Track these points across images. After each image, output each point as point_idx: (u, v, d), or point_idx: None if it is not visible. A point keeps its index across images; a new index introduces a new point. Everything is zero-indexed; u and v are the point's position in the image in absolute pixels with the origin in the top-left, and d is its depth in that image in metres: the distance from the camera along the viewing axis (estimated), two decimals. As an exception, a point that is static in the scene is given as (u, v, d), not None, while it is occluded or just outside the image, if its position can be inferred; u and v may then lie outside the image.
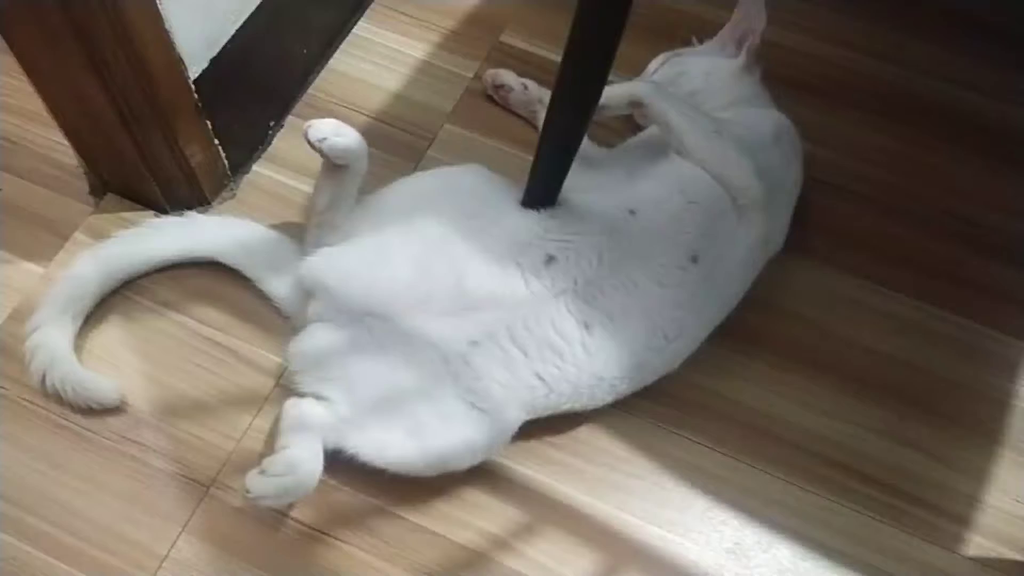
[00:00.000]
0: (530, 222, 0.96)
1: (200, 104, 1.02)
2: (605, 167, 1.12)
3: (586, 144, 1.18)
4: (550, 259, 0.94)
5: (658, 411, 1.05)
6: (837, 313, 1.15)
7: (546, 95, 1.23)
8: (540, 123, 1.24)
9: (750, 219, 1.01)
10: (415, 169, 1.21)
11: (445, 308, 0.93)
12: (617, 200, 1.01)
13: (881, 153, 1.31)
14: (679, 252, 0.97)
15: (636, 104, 1.07)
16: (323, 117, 0.96)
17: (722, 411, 1.06)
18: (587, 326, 0.93)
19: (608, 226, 0.97)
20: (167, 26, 0.92)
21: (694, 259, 0.97)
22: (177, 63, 0.96)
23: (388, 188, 1.03)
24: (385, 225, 0.97)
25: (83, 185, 1.16)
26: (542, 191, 0.97)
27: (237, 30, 1.05)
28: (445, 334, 0.92)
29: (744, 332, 1.07)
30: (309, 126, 0.94)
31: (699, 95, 1.15)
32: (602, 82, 0.82)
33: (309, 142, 0.94)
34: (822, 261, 1.19)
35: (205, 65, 1.01)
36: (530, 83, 1.25)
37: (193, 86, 1.00)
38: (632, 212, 0.99)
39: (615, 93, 1.07)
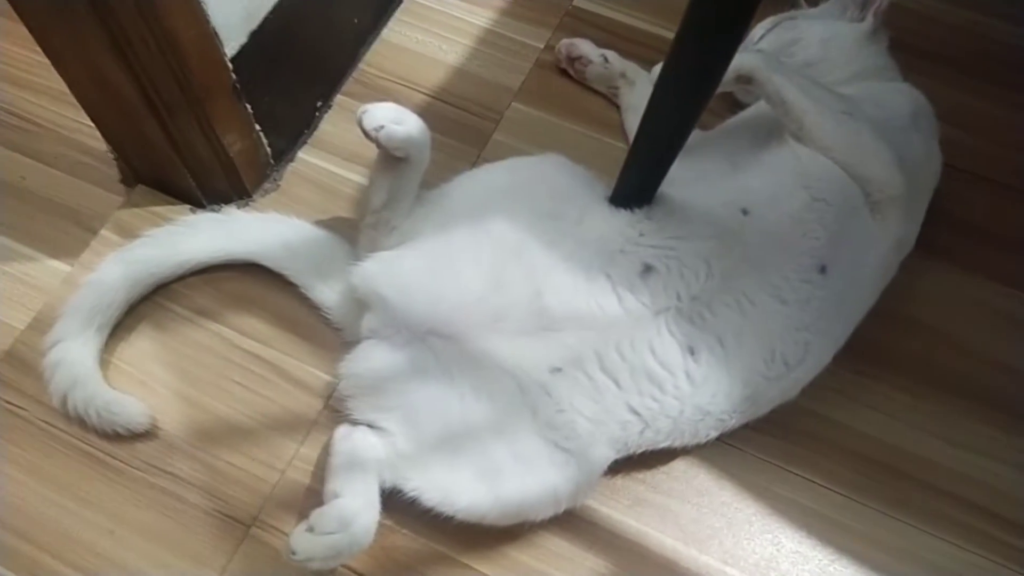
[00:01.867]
0: (622, 224, 0.81)
1: (239, 85, 0.89)
2: (704, 154, 0.96)
3: None
4: (647, 269, 0.79)
5: (766, 443, 0.89)
6: (977, 325, 0.98)
7: (630, 68, 1.07)
8: (623, 100, 1.08)
9: (887, 218, 0.84)
10: (479, 155, 1.06)
11: (522, 328, 0.79)
12: (725, 196, 0.85)
13: (1020, 133, 1.12)
14: (804, 261, 0.81)
15: (744, 80, 0.90)
16: (375, 95, 0.83)
17: (842, 444, 0.90)
18: (692, 351, 0.78)
19: (717, 229, 0.81)
20: (199, -5, 0.79)
21: (822, 270, 0.81)
22: (211, 38, 0.83)
23: (454, 183, 0.88)
24: (451, 227, 0.83)
25: (114, 173, 1.04)
26: (636, 187, 0.82)
27: (279, -2, 0.91)
28: (522, 359, 0.78)
29: (866, 349, 0.90)
30: (364, 112, 0.80)
31: (816, 66, 0.97)
32: (728, 61, 0.65)
33: (364, 131, 0.80)
34: (958, 263, 1.01)
35: (244, 40, 0.88)
36: (610, 54, 1.08)
37: (230, 64, 0.87)
38: (745, 212, 0.83)
39: None
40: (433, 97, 1.10)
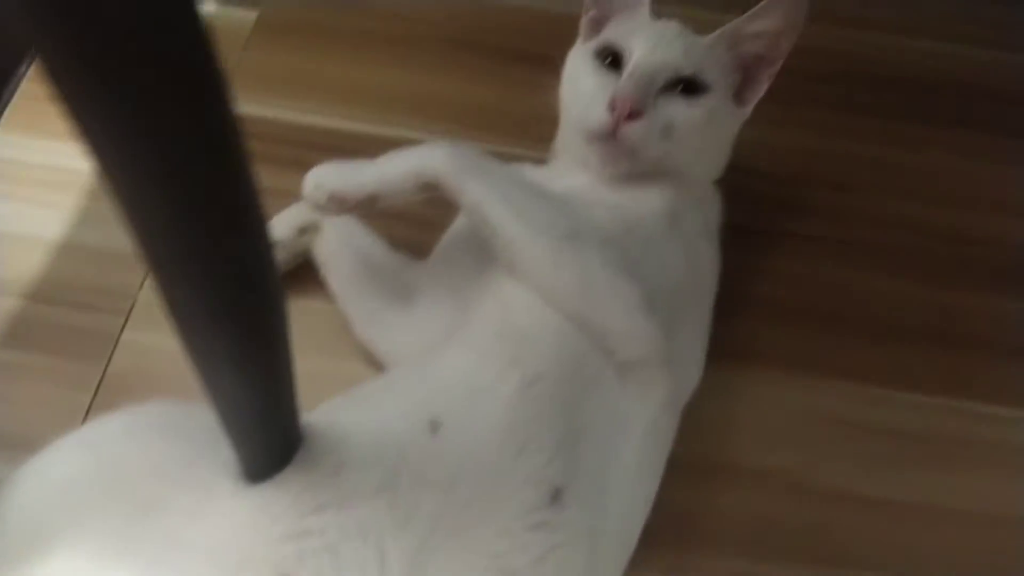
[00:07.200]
0: (251, 509, 0.51)
1: None
2: (408, 299, 0.70)
3: (371, 246, 0.75)
4: (289, 581, 0.50)
5: None
6: (817, 447, 0.73)
7: (303, 219, 0.78)
8: (319, 259, 0.78)
9: (644, 381, 0.58)
10: (104, 372, 0.74)
11: None
12: (410, 399, 0.57)
13: (842, 163, 0.90)
14: (527, 495, 0.53)
15: (430, 187, 0.63)
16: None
17: None
18: None
19: (389, 474, 0.52)
20: None
21: (556, 496, 0.53)
22: None
23: (9, 486, 0.56)
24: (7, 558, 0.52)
25: None
26: (258, 452, 0.52)
27: None
28: None
29: (667, 532, 0.63)
30: None
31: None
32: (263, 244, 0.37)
33: None
34: (772, 364, 0.77)
35: None
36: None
37: None
38: (434, 426, 0.55)
39: (391, 171, 0.64)
40: (28, 299, 0.76)
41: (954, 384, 0.76)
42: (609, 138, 0.64)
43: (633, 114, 0.63)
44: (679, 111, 0.65)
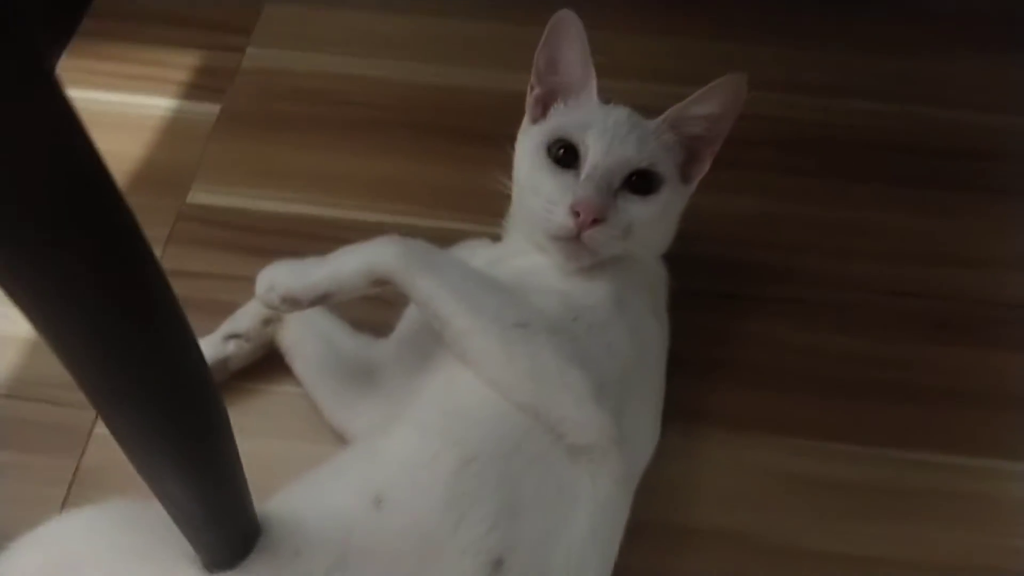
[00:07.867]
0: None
1: None
2: (371, 380, 0.74)
3: (334, 330, 0.77)
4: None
5: None
6: (777, 506, 0.73)
7: (265, 313, 0.79)
8: (284, 348, 0.80)
9: (595, 459, 0.60)
10: (78, 466, 0.76)
11: None
12: (361, 477, 0.58)
13: (790, 225, 0.93)
14: (467, 563, 0.54)
15: (381, 282, 0.65)
16: None
17: None
18: None
19: (339, 552, 0.54)
20: None
21: (496, 566, 0.54)
22: None
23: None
24: None
25: None
26: (218, 551, 0.53)
27: None
28: None
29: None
30: None
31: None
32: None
33: None
34: (727, 425, 0.78)
35: None
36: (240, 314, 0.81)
37: None
38: (378, 502, 0.56)
39: (342, 270, 0.65)
40: (3, 397, 0.79)
41: (908, 436, 0.77)
42: (572, 241, 0.66)
43: (596, 220, 0.65)
44: (638, 210, 0.67)
